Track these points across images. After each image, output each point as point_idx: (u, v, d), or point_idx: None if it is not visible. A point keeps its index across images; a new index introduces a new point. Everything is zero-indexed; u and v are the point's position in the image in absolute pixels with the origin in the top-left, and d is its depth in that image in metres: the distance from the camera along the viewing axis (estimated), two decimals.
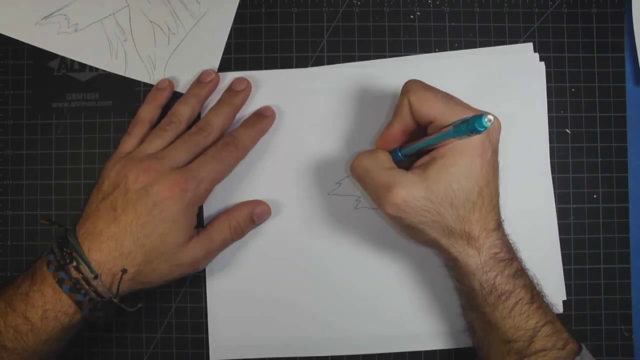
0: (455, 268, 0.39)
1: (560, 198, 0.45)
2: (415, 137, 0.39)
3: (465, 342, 0.45)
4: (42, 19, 0.46)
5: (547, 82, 0.46)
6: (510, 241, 0.39)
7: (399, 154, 0.40)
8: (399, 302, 0.45)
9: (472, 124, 0.31)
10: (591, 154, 0.46)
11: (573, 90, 0.46)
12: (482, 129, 0.31)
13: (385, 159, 0.39)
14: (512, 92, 0.45)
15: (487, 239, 0.37)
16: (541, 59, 0.46)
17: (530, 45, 0.46)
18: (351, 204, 0.45)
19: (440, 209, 0.36)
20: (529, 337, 0.37)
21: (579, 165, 0.46)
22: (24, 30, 0.46)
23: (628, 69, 0.46)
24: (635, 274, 0.46)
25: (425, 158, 0.38)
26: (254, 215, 0.43)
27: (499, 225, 0.38)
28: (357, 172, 0.40)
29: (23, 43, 0.46)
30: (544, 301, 0.39)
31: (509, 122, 0.45)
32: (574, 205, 0.46)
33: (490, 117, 0.30)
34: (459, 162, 0.36)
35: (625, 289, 0.45)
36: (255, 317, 0.45)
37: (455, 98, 0.38)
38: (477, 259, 0.37)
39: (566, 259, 0.45)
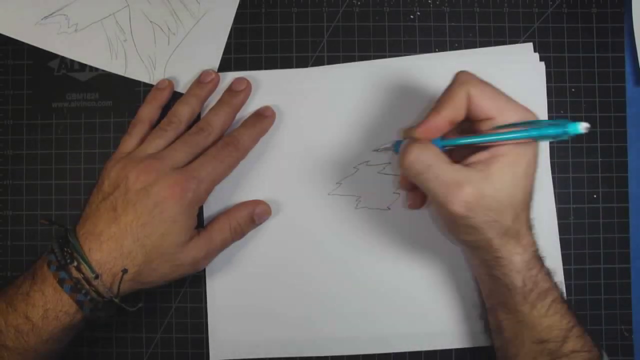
0: (497, 267, 0.37)
1: (560, 198, 0.45)
2: (455, 130, 0.37)
3: (465, 342, 0.45)
4: (42, 19, 0.46)
5: (547, 82, 0.46)
6: None
7: (439, 145, 0.37)
8: (398, 302, 0.45)
9: (564, 127, 0.30)
10: (591, 154, 0.46)
11: (573, 90, 0.46)
12: (573, 135, 0.30)
13: (440, 152, 0.36)
14: (512, 92, 0.45)
15: (529, 236, 0.37)
16: (541, 59, 0.46)
17: (530, 45, 0.46)
18: (351, 204, 0.45)
19: (503, 208, 0.35)
20: (563, 338, 0.37)
21: (579, 165, 0.46)
22: (24, 30, 0.46)
23: (628, 69, 0.46)
24: (635, 274, 0.46)
25: (484, 154, 0.36)
26: (254, 215, 0.43)
27: (533, 223, 0.38)
28: (415, 166, 0.35)
29: (23, 43, 0.46)
30: (569, 303, 0.39)
31: None
32: (574, 205, 0.46)
33: (586, 124, 0.30)
34: (520, 162, 0.35)
35: (625, 289, 0.45)
36: (255, 317, 0.45)
37: (510, 97, 0.36)
38: (523, 256, 0.37)
39: (566, 259, 0.45)
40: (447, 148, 0.37)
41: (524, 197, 0.36)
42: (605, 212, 0.46)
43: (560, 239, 0.45)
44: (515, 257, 0.37)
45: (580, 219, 0.46)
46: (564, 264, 0.45)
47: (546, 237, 0.45)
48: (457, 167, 0.35)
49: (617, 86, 0.46)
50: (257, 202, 0.44)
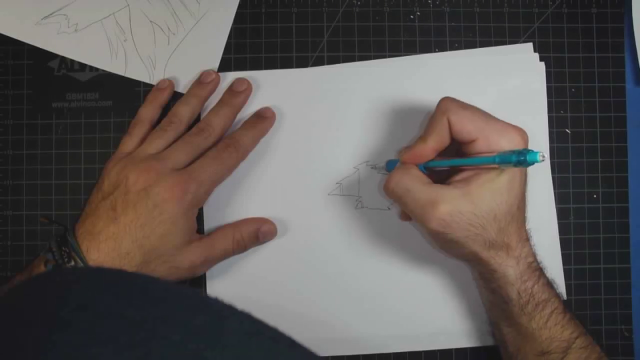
0: (492, 279, 0.38)
1: (560, 198, 0.45)
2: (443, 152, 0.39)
3: (465, 342, 0.45)
4: (42, 19, 0.46)
5: (547, 82, 0.46)
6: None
7: (422, 167, 0.39)
8: (399, 302, 0.45)
9: (523, 156, 0.32)
10: (591, 154, 0.46)
11: (573, 90, 0.46)
12: (532, 164, 0.32)
13: (420, 174, 0.38)
14: (512, 92, 0.45)
15: (523, 248, 0.38)
16: (541, 59, 0.46)
17: (530, 45, 0.46)
18: (351, 204, 0.45)
19: (484, 222, 0.36)
20: (564, 349, 0.37)
21: (579, 165, 0.46)
22: (24, 30, 0.46)
23: (628, 69, 0.46)
24: (635, 274, 0.46)
25: (468, 172, 0.38)
26: (259, 232, 0.43)
27: (529, 236, 0.39)
28: (396, 191, 0.38)
29: (23, 43, 0.46)
30: (574, 313, 0.39)
31: (509, 122, 0.45)
32: (574, 205, 0.46)
33: (544, 154, 0.31)
34: (502, 176, 0.36)
35: (625, 289, 0.45)
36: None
37: (491, 115, 0.38)
38: (515, 268, 0.37)
39: (566, 259, 0.45)
40: (438, 169, 0.39)
41: (509, 210, 0.36)
42: (605, 212, 0.46)
43: (560, 239, 0.45)
44: (508, 270, 0.37)
45: (580, 219, 0.46)
46: (564, 264, 0.45)
47: (546, 237, 0.45)
48: (434, 187, 0.37)
49: (617, 86, 0.46)
50: (264, 220, 0.44)
